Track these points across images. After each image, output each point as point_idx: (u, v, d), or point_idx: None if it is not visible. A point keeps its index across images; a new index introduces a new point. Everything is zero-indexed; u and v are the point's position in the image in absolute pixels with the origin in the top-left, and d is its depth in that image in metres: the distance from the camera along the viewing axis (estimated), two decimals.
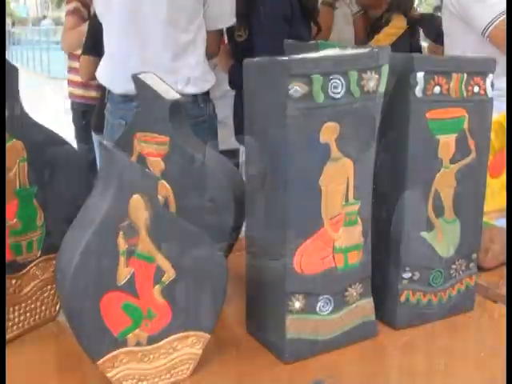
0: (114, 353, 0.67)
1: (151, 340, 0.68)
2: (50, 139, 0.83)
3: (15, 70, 0.78)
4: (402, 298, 0.82)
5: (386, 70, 0.73)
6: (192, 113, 1.91)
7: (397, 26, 2.64)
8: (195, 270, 0.69)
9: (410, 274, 0.82)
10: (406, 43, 2.62)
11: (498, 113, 1.35)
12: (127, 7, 1.79)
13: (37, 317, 0.86)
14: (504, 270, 1.05)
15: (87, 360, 0.68)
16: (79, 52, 2.74)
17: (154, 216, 0.65)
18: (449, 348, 0.80)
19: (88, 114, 2.80)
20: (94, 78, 2.53)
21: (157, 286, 0.67)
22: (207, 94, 1.98)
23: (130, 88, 0.92)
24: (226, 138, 2.07)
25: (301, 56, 0.71)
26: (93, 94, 2.74)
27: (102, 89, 2.43)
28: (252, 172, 0.76)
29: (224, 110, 2.25)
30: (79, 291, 0.64)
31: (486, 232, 1.08)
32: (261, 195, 0.74)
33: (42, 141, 0.82)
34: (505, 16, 1.76)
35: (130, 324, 0.67)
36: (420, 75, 0.75)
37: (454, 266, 0.85)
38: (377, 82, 0.72)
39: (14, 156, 0.79)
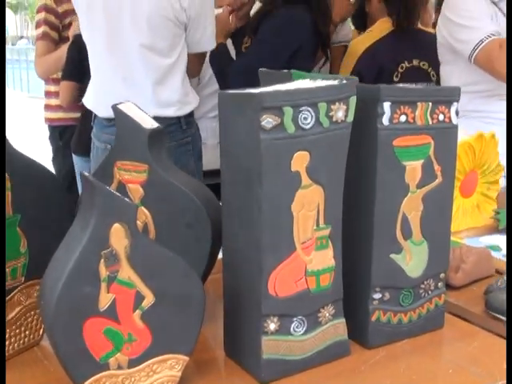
0: (97, 376, 0.69)
1: (132, 363, 0.71)
2: (31, 168, 0.86)
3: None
4: (373, 318, 0.86)
5: (353, 100, 0.77)
6: (175, 136, 1.95)
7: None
8: (174, 294, 0.71)
9: (380, 295, 0.85)
10: None
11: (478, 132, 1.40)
12: (109, 33, 1.83)
13: (21, 342, 0.88)
14: (475, 287, 1.10)
15: None
16: (55, 76, 2.78)
17: (133, 243, 0.68)
18: (419, 365, 0.84)
19: (65, 134, 2.82)
20: (74, 102, 2.56)
21: (137, 311, 0.70)
22: (190, 115, 2.02)
23: None
24: (215, 158, 2.12)
25: (272, 88, 0.75)
26: (71, 115, 2.76)
27: (82, 111, 2.47)
28: (227, 197, 0.79)
29: (209, 130, 2.30)
30: (62, 317, 0.66)
31: (457, 251, 1.12)
32: (236, 220, 0.78)
33: (24, 170, 0.85)
34: (489, 39, 1.80)
35: (111, 348, 0.70)
36: (387, 105, 0.80)
37: (422, 286, 0.89)
38: (345, 112, 0.76)
39: None
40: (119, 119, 0.91)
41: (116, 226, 0.67)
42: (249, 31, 2.16)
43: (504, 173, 1.67)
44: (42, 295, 0.70)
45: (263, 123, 0.71)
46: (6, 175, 0.82)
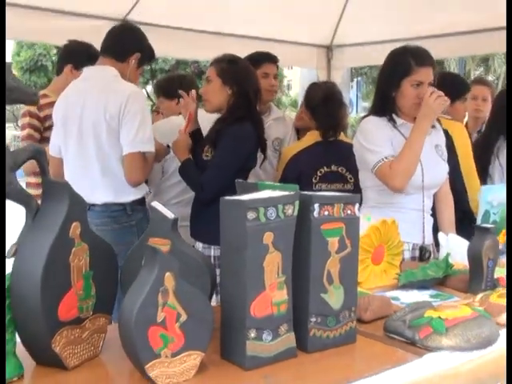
0: (154, 361, 1.21)
1: (173, 355, 1.23)
2: (99, 241, 1.39)
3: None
4: (311, 333, 1.40)
5: (297, 203, 1.34)
6: (120, 219, 2.58)
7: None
8: (197, 314, 1.24)
9: (314, 319, 1.40)
10: None
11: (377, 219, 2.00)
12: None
13: (89, 353, 1.38)
14: (379, 321, 1.64)
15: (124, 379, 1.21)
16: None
17: (176, 284, 1.21)
18: (340, 362, 1.38)
19: None
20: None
21: (177, 324, 1.23)
22: (138, 203, 2.64)
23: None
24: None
25: (252, 196, 1.31)
26: None
27: None
28: (224, 259, 1.34)
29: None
30: (138, 325, 1.18)
31: (366, 298, 1.68)
32: (230, 273, 1.32)
33: (95, 243, 1.37)
34: (383, 162, 2.40)
35: (162, 345, 1.21)
36: (316, 205, 1.37)
37: (341, 314, 1.44)
38: (293, 210, 1.33)
39: (82, 253, 1.34)
40: (153, 211, 1.45)
41: (168, 274, 1.21)
42: (208, 143, 2.74)
43: (405, 246, 2.29)
44: (122, 314, 1.21)
45: (247, 216, 1.27)
46: (86, 246, 1.35)
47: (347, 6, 4.91)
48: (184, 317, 1.23)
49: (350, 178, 3.06)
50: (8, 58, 22.35)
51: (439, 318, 1.47)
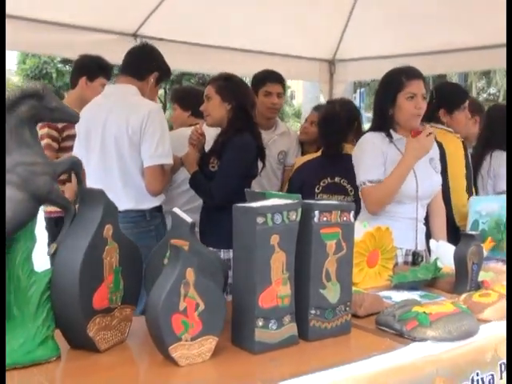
0: (176, 344, 1.41)
1: (192, 339, 1.43)
2: (128, 241, 1.59)
3: None
4: (311, 324, 1.60)
5: (300, 210, 1.54)
6: (140, 223, 2.80)
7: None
8: (213, 304, 1.45)
9: (314, 311, 1.60)
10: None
11: (370, 227, 2.20)
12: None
13: (117, 338, 1.58)
14: (372, 317, 1.83)
15: (147, 361, 1.41)
16: None
17: (196, 278, 1.42)
18: (336, 349, 1.58)
19: (60, 222, 3.51)
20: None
21: (196, 312, 1.43)
22: (156, 210, 2.86)
23: None
24: None
25: (260, 204, 1.51)
26: None
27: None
28: (236, 258, 1.54)
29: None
30: (163, 312, 1.38)
31: (360, 295, 1.87)
32: (241, 269, 1.52)
33: (124, 243, 1.58)
34: (364, 186, 2.65)
35: (183, 330, 1.41)
36: (316, 212, 1.57)
37: (338, 308, 1.64)
38: (296, 215, 1.53)
39: (113, 252, 1.54)
40: (173, 216, 1.66)
41: (189, 269, 1.41)
42: (214, 155, 2.99)
43: (398, 252, 2.49)
44: (149, 302, 1.42)
45: (257, 221, 1.47)
46: (116, 245, 1.55)
47: (349, 22, 5.13)
48: (202, 306, 1.43)
49: (351, 191, 3.26)
50: (13, 66, 22.99)
51: (424, 312, 1.67)
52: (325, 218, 1.59)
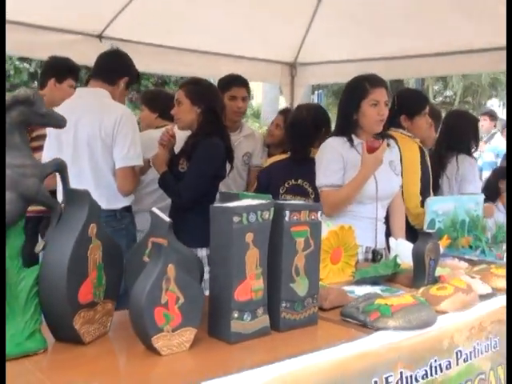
0: (158, 335, 1.51)
1: (173, 330, 1.53)
2: (110, 240, 1.69)
3: None
4: (282, 315, 1.72)
5: (272, 209, 1.66)
6: (111, 223, 2.89)
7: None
8: (191, 297, 1.55)
9: (285, 304, 1.72)
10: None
11: (335, 226, 2.33)
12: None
13: (100, 331, 1.67)
14: (337, 309, 1.96)
15: (129, 352, 1.51)
16: None
17: (176, 273, 1.52)
18: (303, 337, 1.70)
19: (30, 222, 3.53)
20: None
21: (176, 305, 1.53)
22: (126, 209, 2.95)
23: None
24: None
25: (236, 204, 1.63)
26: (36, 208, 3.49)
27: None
28: (213, 255, 1.65)
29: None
30: (146, 305, 1.48)
31: (326, 290, 2.00)
32: (218, 265, 1.63)
33: (106, 241, 1.67)
34: (321, 189, 2.85)
35: (164, 322, 1.52)
36: (287, 212, 1.69)
37: (306, 301, 1.77)
38: (269, 215, 1.65)
39: (97, 249, 1.63)
40: (152, 215, 1.76)
41: (170, 265, 1.51)
42: (184, 156, 3.09)
43: (359, 249, 2.63)
44: (133, 296, 1.51)
45: (233, 220, 1.58)
46: (100, 243, 1.64)
47: (311, 26, 5.28)
48: (182, 300, 1.54)
49: (311, 193, 3.41)
50: None
51: (386, 304, 1.81)
52: (295, 217, 1.71)
